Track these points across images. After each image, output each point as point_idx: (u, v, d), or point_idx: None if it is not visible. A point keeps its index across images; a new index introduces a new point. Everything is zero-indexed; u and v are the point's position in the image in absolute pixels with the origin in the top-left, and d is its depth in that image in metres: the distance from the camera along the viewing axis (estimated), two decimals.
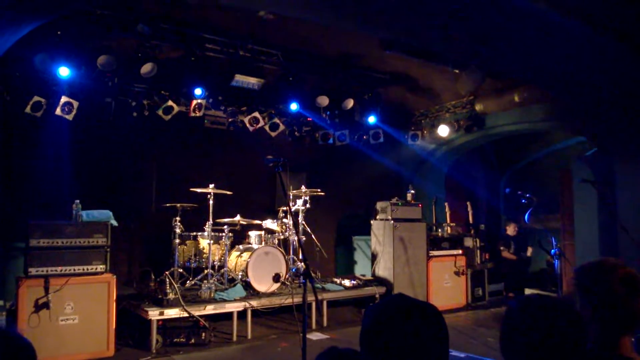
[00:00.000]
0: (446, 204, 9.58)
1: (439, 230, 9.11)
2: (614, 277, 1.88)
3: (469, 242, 9.30)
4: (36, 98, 6.78)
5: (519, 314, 1.64)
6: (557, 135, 9.99)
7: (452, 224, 9.31)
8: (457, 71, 7.87)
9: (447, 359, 1.45)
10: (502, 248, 9.91)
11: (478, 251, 9.40)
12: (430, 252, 8.55)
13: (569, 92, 6.91)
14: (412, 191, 8.80)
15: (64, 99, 6.87)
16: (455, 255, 8.81)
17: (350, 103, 8.72)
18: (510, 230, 9.98)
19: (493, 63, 6.72)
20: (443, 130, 9.31)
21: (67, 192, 6.62)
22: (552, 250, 5.57)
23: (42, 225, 5.51)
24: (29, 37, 5.34)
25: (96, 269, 5.67)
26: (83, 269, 5.59)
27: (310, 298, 3.50)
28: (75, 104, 6.94)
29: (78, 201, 5.86)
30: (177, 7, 6.53)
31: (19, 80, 6.69)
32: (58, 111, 6.88)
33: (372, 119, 9.15)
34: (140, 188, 8.14)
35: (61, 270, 5.46)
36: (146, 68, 6.90)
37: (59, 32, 6.39)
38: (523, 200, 6.17)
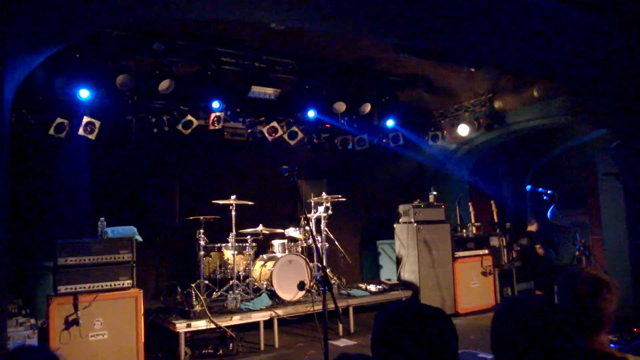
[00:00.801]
0: (470, 203, 9.47)
1: (464, 230, 9.01)
2: (579, 279, 2.06)
3: (495, 241, 9.16)
4: (59, 120, 6.96)
5: (504, 314, 1.73)
6: (580, 128, 9.79)
7: (477, 224, 9.20)
8: (473, 70, 7.80)
9: None
10: (537, 246, 9.67)
11: (505, 250, 9.26)
12: (456, 253, 8.47)
13: (589, 85, 6.78)
14: (434, 192, 8.75)
15: (85, 119, 7.03)
16: (481, 256, 8.70)
17: (367, 107, 8.71)
18: (533, 227, 9.79)
19: (509, 61, 6.65)
20: (463, 130, 9.22)
21: (92, 210, 6.78)
22: (577, 246, 5.47)
23: (70, 244, 5.64)
24: (49, 61, 5.49)
25: (123, 284, 5.78)
26: (110, 285, 5.71)
27: (330, 306, 3.51)
28: (97, 123, 7.10)
29: (103, 218, 5.99)
30: (191, 24, 6.65)
31: (42, 104, 6.87)
32: (81, 131, 7.04)
33: (390, 123, 9.12)
34: (163, 202, 8.26)
35: (89, 287, 5.58)
36: (164, 85, 7.04)
37: (77, 55, 6.56)
38: (545, 197, 6.07)
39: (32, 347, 1.54)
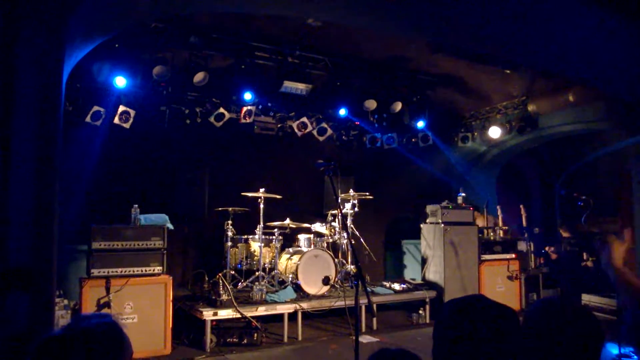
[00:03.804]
0: (498, 207, 9.37)
1: (491, 233, 8.92)
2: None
3: (522, 246, 9.04)
4: (95, 108, 7.12)
5: (534, 317, 1.72)
6: (615, 135, 9.59)
7: (504, 228, 9.10)
8: (508, 72, 7.72)
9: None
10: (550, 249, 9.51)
11: (532, 255, 9.14)
12: (482, 256, 8.39)
13: (627, 92, 6.65)
14: (463, 194, 8.69)
15: (121, 108, 7.19)
16: (508, 260, 8.60)
17: (398, 106, 8.67)
18: (566, 233, 9.62)
19: (545, 64, 6.55)
20: (494, 132, 9.13)
21: (126, 197, 6.91)
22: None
23: (104, 229, 5.78)
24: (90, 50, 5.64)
25: (154, 270, 5.90)
26: (141, 270, 5.83)
27: (363, 300, 3.53)
28: (132, 112, 7.25)
29: (136, 205, 6.11)
30: (226, 18, 6.73)
31: (80, 92, 7.04)
32: (116, 120, 7.21)
33: (421, 124, 9.07)
34: (194, 193, 8.40)
35: (121, 272, 5.72)
36: (198, 77, 7.13)
37: (117, 45, 6.70)
38: (579, 203, 5.97)
39: (94, 314, 1.54)
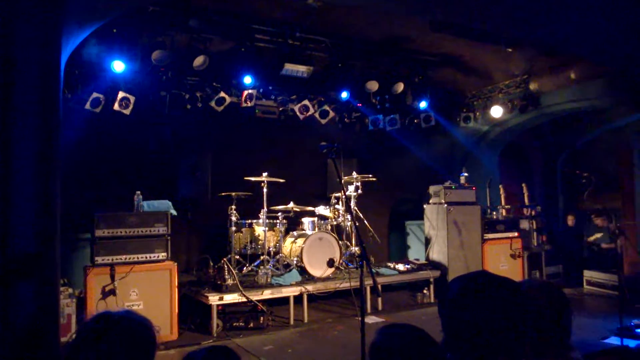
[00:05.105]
0: (501, 186, 9.37)
1: (494, 212, 8.92)
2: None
3: (524, 224, 9.06)
4: (95, 94, 7.05)
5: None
6: (616, 111, 9.54)
7: (507, 206, 9.10)
8: (509, 50, 7.63)
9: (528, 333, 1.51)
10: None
11: (535, 233, 9.16)
12: (485, 235, 8.40)
13: (630, 66, 6.58)
14: (466, 174, 8.66)
15: (121, 94, 7.12)
16: (511, 238, 8.61)
17: (400, 87, 8.61)
18: (570, 222, 9.64)
19: (548, 39, 6.46)
20: (496, 111, 9.07)
21: (128, 184, 6.91)
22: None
23: (107, 216, 5.75)
24: (87, 36, 5.56)
25: (158, 256, 5.89)
26: (146, 257, 5.82)
27: (367, 281, 3.54)
28: (132, 98, 7.18)
29: (139, 192, 6.09)
30: (226, 1, 6.64)
31: (78, 78, 6.97)
32: (116, 106, 7.14)
33: (423, 104, 9.02)
34: (196, 178, 8.37)
35: (125, 259, 5.71)
36: (198, 61, 7.05)
37: (114, 30, 6.62)
38: (582, 180, 5.97)
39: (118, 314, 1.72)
